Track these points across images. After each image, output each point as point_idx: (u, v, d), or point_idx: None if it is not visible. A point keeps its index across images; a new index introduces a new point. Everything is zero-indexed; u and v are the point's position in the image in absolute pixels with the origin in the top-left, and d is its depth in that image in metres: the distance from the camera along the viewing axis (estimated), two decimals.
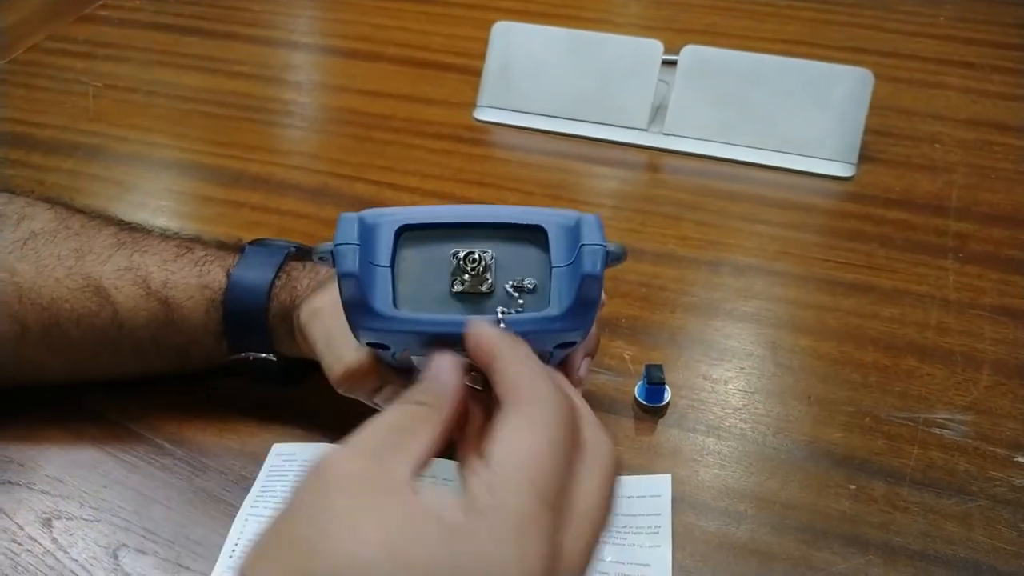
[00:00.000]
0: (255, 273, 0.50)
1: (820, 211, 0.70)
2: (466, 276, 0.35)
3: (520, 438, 0.28)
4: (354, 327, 0.35)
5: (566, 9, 1.00)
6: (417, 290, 0.35)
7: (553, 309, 0.34)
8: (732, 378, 0.55)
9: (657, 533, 0.46)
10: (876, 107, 0.73)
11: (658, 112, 0.78)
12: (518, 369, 0.31)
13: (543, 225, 0.35)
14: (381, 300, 0.34)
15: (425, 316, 0.34)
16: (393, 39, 0.94)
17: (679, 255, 0.65)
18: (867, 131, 0.73)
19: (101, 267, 0.51)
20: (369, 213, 0.35)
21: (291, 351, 0.51)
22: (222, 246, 0.54)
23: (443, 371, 0.32)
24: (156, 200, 0.72)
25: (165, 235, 0.54)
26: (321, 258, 0.35)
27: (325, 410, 0.50)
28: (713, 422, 0.52)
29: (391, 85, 0.86)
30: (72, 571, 0.45)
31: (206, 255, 0.52)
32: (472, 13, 0.98)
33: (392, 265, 0.35)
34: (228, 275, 0.51)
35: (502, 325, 0.34)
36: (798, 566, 0.45)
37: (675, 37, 0.81)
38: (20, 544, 0.46)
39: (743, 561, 0.45)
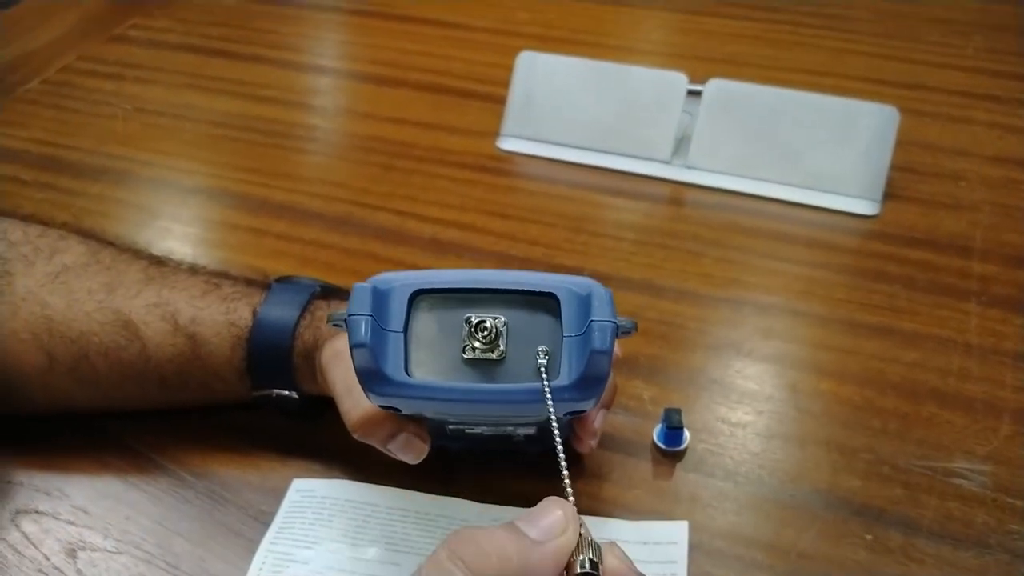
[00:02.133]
0: (281, 312, 0.51)
1: (844, 250, 0.69)
2: (478, 343, 0.35)
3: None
4: (366, 391, 0.36)
5: (588, 35, 1.00)
6: (429, 356, 0.36)
7: (563, 379, 0.35)
8: (751, 422, 0.55)
9: None
10: (901, 142, 0.73)
11: (681, 144, 0.78)
12: None
13: (555, 293, 0.35)
14: (393, 367, 0.35)
15: (437, 383, 0.35)
16: (416, 64, 0.95)
17: (700, 293, 0.65)
18: (892, 167, 0.73)
19: (131, 302, 0.52)
20: (383, 278, 0.36)
21: (313, 389, 0.51)
22: (250, 283, 0.54)
23: None
24: (182, 227, 0.73)
25: (194, 269, 0.55)
26: (335, 324, 0.36)
27: (344, 445, 0.50)
28: (731, 467, 0.52)
29: (415, 112, 0.87)
30: None
31: (234, 292, 0.53)
32: (495, 39, 0.99)
33: (405, 331, 0.35)
34: (255, 313, 0.51)
35: (549, 397, 0.34)
36: None
37: (698, 65, 0.81)
38: (46, 574, 0.47)
39: None
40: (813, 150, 0.74)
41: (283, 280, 0.56)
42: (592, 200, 0.76)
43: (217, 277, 0.54)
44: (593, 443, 0.48)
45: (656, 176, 0.77)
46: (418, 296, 0.36)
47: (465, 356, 0.35)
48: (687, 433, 0.53)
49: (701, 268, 0.68)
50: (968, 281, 0.66)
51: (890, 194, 0.73)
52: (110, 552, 0.48)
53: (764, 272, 0.67)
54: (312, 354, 0.50)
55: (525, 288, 0.36)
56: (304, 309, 0.51)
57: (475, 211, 0.73)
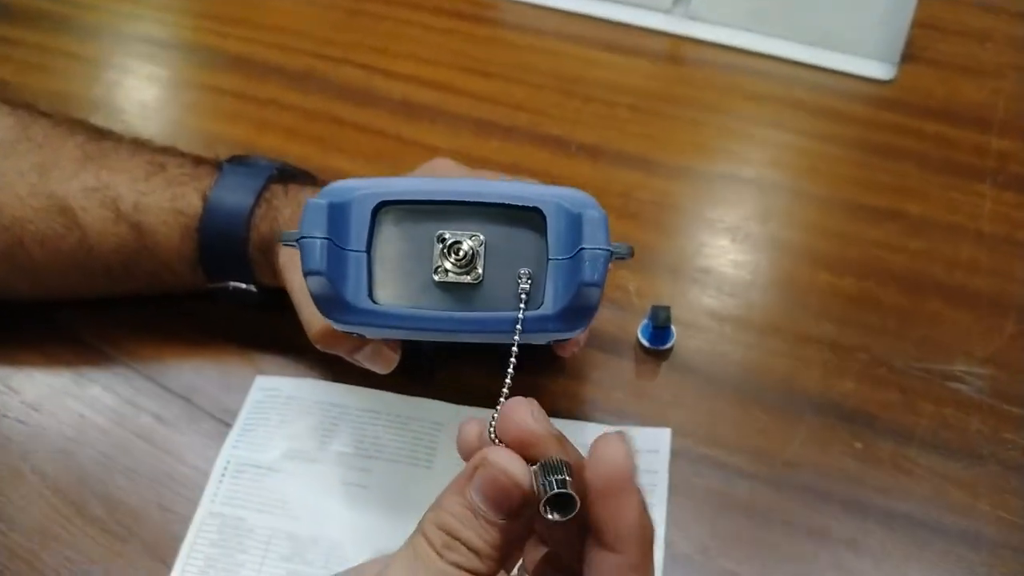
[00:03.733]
0: (234, 199, 0.46)
1: (853, 120, 0.64)
2: (451, 264, 0.31)
3: None
4: (325, 317, 0.32)
5: None
6: (396, 278, 0.31)
7: (547, 308, 0.31)
8: (742, 316, 0.52)
9: (652, 491, 0.45)
10: None
11: None
12: (642, 531, 0.26)
13: (541, 208, 0.31)
14: (354, 292, 0.31)
15: (404, 310, 0.31)
16: None
17: (697, 169, 0.60)
18: (912, 24, 0.66)
19: (67, 185, 0.47)
20: (341, 187, 0.31)
21: (272, 283, 0.47)
22: (198, 162, 0.49)
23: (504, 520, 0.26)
24: (130, 81, 0.66)
25: (137, 144, 0.50)
26: (288, 244, 0.31)
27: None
28: (718, 368, 0.50)
29: None
30: (56, 507, 0.44)
31: (181, 174, 0.48)
32: None
33: (368, 250, 0.31)
34: (204, 199, 0.46)
35: (519, 327, 0.30)
36: (795, 531, 0.44)
37: None
38: None
39: (740, 521, 0.44)
40: (828, 1, 0.67)
41: (235, 160, 0.51)
42: (585, 56, 0.69)
43: (162, 155, 0.49)
44: (576, 351, 0.45)
45: (655, 29, 0.70)
46: (383, 208, 0.31)
47: (436, 279, 0.31)
48: (674, 331, 0.50)
49: (700, 139, 0.62)
50: (985, 159, 0.61)
51: (908, 56, 0.67)
52: (65, 453, 0.46)
53: (767, 145, 0.62)
54: (270, 248, 0.46)
55: (506, 201, 0.31)
56: (259, 196, 0.46)
57: (451, 67, 0.66)
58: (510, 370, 0.29)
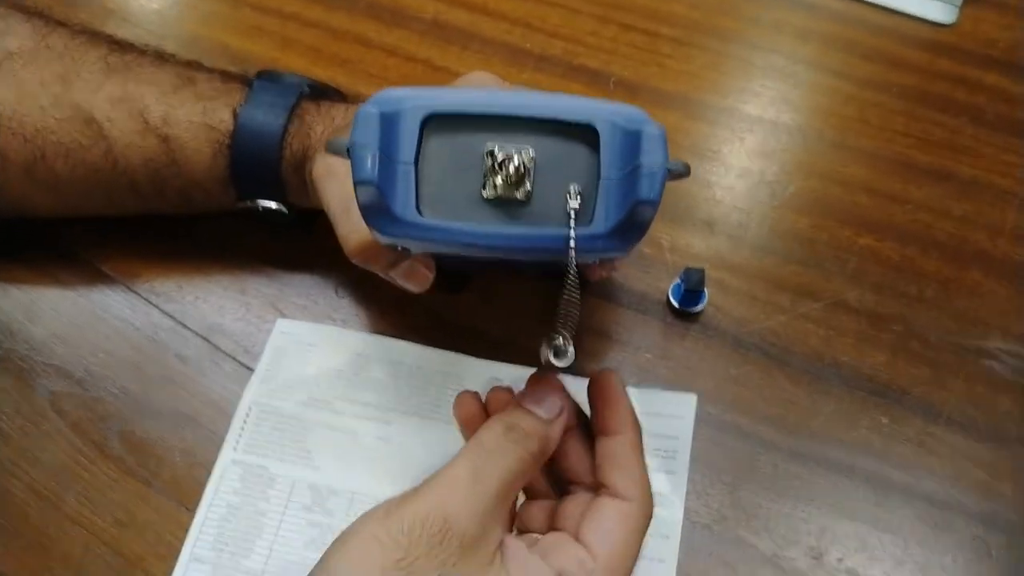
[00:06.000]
0: (265, 116, 0.44)
1: (908, 67, 0.60)
2: (500, 180, 0.30)
3: (620, 533, 0.33)
4: (372, 231, 0.31)
5: None
6: (443, 192, 0.30)
7: (597, 226, 0.30)
8: (778, 278, 0.50)
9: (674, 458, 0.44)
10: None
11: None
12: (634, 460, 0.35)
13: (595, 124, 0.29)
14: (402, 204, 0.30)
15: (451, 225, 0.30)
16: None
17: (741, 111, 0.57)
18: None
19: (92, 96, 0.45)
20: (389, 97, 0.30)
21: (305, 203, 0.46)
22: (226, 77, 0.47)
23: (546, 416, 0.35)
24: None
25: (161, 57, 0.47)
26: (335, 152, 0.30)
27: (334, 278, 0.46)
28: (751, 334, 0.49)
29: None
30: (77, 447, 0.44)
31: (210, 88, 0.46)
32: None
33: (416, 162, 0.30)
34: (235, 116, 0.45)
35: (572, 244, 0.30)
36: (815, 505, 0.44)
37: None
38: (18, 420, 0.45)
39: (760, 492, 0.44)
40: None
41: (265, 76, 0.48)
42: None
43: (189, 69, 0.47)
44: (606, 275, 0.45)
45: None
46: (431, 120, 0.30)
47: (485, 194, 0.30)
48: (706, 294, 0.48)
49: (745, 82, 0.59)
50: None
51: None
52: (85, 390, 0.46)
53: (815, 91, 0.59)
54: (302, 166, 0.45)
55: (559, 116, 0.30)
56: (291, 114, 0.45)
57: None
58: (568, 286, 0.30)
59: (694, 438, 0.45)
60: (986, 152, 0.56)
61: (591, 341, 0.48)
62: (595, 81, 0.58)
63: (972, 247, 0.52)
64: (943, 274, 0.51)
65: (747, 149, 0.56)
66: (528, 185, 0.30)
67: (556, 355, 0.31)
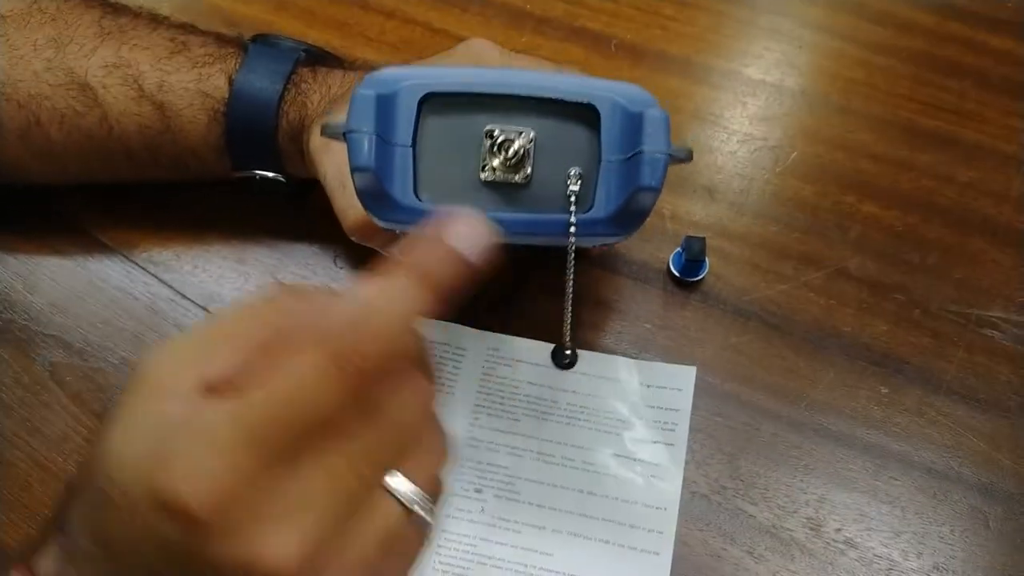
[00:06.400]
0: (261, 83, 0.44)
1: (917, 29, 0.59)
2: (499, 162, 0.29)
3: None
4: (369, 214, 0.31)
5: None
6: (441, 175, 0.30)
7: (598, 211, 0.30)
8: (780, 246, 0.50)
9: (673, 430, 0.44)
10: None
11: None
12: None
13: (596, 105, 0.29)
14: (400, 188, 0.30)
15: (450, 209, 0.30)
16: None
17: (744, 75, 0.56)
18: None
19: (85, 61, 0.44)
20: (386, 77, 0.29)
21: (301, 173, 0.46)
22: (221, 41, 0.46)
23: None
24: None
25: (155, 19, 0.47)
26: (331, 135, 0.30)
27: (333, 246, 0.45)
28: (752, 303, 0.48)
29: None
30: (77, 417, 0.44)
31: (205, 53, 0.45)
32: None
33: (413, 144, 0.29)
34: (231, 82, 0.44)
35: (572, 229, 0.29)
36: (815, 475, 0.44)
37: None
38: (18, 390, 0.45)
39: (760, 462, 0.44)
40: None
41: (260, 40, 0.48)
42: None
43: (183, 33, 0.46)
44: (606, 248, 0.44)
45: None
46: (429, 100, 0.29)
47: (483, 177, 0.30)
48: (707, 263, 0.48)
49: (748, 45, 0.58)
50: None
51: None
52: (85, 361, 0.46)
53: (821, 53, 0.58)
54: (299, 135, 0.44)
55: (559, 96, 0.29)
56: (287, 81, 0.44)
57: None
58: (571, 274, 0.30)
59: (694, 408, 0.45)
60: (991, 116, 0.55)
61: (591, 312, 0.48)
62: (596, 44, 0.57)
63: (976, 214, 0.51)
64: (946, 242, 0.50)
65: (749, 114, 0.55)
66: (528, 168, 0.29)
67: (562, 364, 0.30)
